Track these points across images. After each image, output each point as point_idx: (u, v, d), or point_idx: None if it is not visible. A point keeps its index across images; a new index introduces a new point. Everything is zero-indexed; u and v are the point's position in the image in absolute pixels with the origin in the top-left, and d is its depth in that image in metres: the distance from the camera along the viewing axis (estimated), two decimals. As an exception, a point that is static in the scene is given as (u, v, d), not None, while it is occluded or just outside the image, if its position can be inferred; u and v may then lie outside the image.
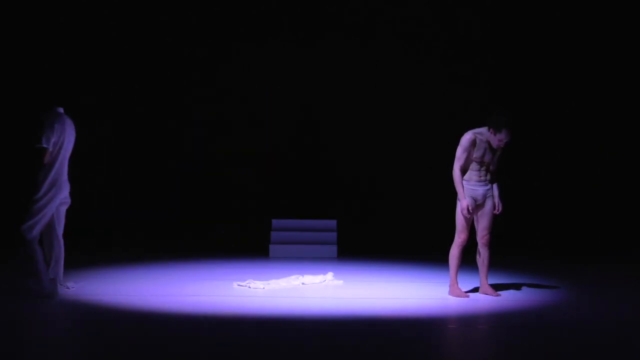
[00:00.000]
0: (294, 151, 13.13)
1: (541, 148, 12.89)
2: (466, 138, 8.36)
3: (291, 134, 13.12)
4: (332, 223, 12.67)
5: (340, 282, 9.56)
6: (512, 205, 12.54)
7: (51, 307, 7.84)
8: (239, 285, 9.11)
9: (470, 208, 8.36)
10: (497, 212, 8.54)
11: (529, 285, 9.31)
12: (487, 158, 8.39)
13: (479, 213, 8.50)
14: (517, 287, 9.18)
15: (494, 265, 9.76)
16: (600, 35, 12.89)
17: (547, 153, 12.97)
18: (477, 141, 8.33)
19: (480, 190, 8.45)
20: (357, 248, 12.51)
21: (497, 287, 8.86)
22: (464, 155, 8.36)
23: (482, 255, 8.56)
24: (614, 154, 12.96)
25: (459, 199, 8.39)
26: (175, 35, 12.79)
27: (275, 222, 12.66)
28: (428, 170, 12.44)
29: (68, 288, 8.69)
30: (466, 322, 7.59)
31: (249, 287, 9.00)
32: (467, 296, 8.50)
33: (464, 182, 8.44)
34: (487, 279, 8.65)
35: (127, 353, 6.23)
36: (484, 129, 8.36)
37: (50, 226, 8.38)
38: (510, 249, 12.36)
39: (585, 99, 12.97)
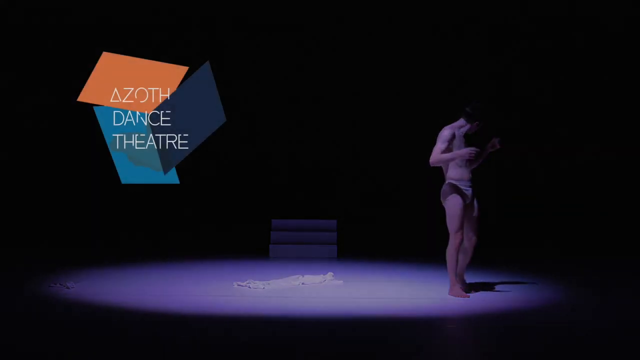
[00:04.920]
0: (294, 151, 13.12)
1: (540, 148, 12.88)
2: (445, 133, 8.45)
3: (291, 134, 13.11)
4: (332, 223, 12.67)
5: (340, 282, 9.57)
6: (512, 204, 12.60)
7: (51, 307, 7.85)
8: (239, 285, 9.11)
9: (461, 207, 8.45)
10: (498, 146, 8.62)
11: (529, 285, 9.30)
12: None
13: (467, 216, 8.55)
14: (517, 287, 9.18)
15: (495, 264, 9.79)
16: (601, 34, 12.89)
17: (546, 153, 12.97)
18: (456, 135, 8.43)
19: (470, 190, 8.54)
20: (357, 248, 12.51)
21: (496, 287, 8.86)
22: (444, 147, 8.41)
23: (466, 255, 8.60)
24: (614, 154, 12.95)
25: (459, 156, 8.39)
26: (172, 36, 12.79)
27: (275, 222, 12.65)
28: (428, 171, 12.44)
29: (68, 288, 8.70)
30: (466, 322, 7.59)
31: (249, 287, 9.00)
32: (467, 296, 8.50)
33: (455, 182, 8.48)
34: (462, 277, 8.69)
35: (127, 353, 6.24)
36: (461, 121, 8.49)
37: None
38: (510, 248, 12.36)
39: (586, 99, 12.96)
